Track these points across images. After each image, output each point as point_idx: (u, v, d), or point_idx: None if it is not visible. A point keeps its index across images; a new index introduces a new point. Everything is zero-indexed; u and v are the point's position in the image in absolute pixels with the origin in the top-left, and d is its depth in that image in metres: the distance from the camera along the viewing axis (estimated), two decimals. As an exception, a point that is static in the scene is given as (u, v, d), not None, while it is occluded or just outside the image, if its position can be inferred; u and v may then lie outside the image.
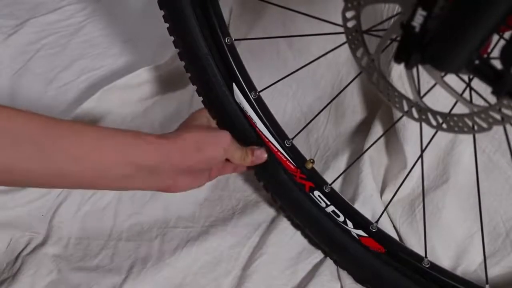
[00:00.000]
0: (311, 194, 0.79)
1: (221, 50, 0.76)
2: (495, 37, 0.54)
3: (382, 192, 0.92)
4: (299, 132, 0.80)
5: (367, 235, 0.77)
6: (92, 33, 1.18)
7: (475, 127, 0.56)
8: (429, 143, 0.70)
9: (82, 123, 0.56)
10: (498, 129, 0.59)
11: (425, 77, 0.59)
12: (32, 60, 1.07)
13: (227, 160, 0.74)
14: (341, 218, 0.78)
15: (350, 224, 0.78)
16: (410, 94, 0.60)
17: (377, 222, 0.78)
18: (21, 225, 0.85)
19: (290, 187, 0.81)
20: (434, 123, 0.59)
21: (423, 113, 0.59)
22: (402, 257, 0.76)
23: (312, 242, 0.86)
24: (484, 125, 0.55)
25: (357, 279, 0.81)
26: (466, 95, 0.62)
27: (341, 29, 0.60)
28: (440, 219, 0.86)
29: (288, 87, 1.03)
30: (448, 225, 0.86)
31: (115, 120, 1.00)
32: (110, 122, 1.00)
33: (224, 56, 0.77)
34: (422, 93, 0.62)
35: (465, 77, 0.63)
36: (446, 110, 0.60)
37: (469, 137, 0.69)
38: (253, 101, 0.77)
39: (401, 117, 0.83)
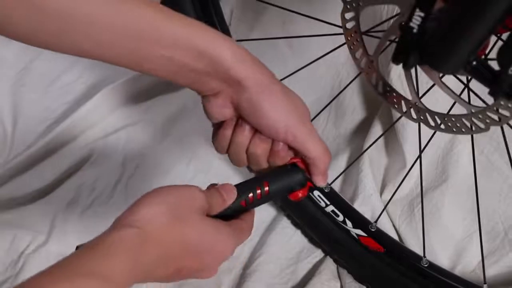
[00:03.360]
0: (310, 193, 0.80)
1: (221, 50, 0.77)
2: (493, 38, 0.55)
3: (381, 191, 0.92)
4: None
5: (366, 235, 0.77)
6: (94, 33, 1.18)
7: (473, 128, 0.57)
8: (427, 143, 0.71)
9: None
10: (496, 130, 0.59)
11: (424, 78, 0.60)
12: (35, 61, 1.07)
13: None
14: (341, 218, 0.79)
15: (349, 223, 0.78)
16: (409, 95, 0.61)
17: (376, 221, 0.78)
18: (24, 224, 0.85)
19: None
20: (432, 123, 0.59)
21: (422, 114, 0.60)
22: (401, 256, 0.76)
23: (312, 241, 0.87)
24: (482, 125, 0.56)
25: (357, 278, 0.82)
26: (464, 96, 0.63)
27: (341, 30, 0.60)
28: (439, 219, 0.86)
29: (288, 87, 1.03)
30: (447, 224, 0.86)
31: (116, 120, 1.01)
32: (111, 122, 1.00)
33: (225, 57, 0.77)
34: (420, 94, 0.62)
35: (463, 78, 0.64)
36: (445, 111, 0.61)
37: (468, 138, 0.69)
38: (253, 102, 0.78)
39: (400, 118, 0.84)
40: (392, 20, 0.59)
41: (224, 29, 0.76)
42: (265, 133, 0.52)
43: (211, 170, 0.97)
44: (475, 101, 0.61)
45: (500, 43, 0.51)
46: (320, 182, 0.54)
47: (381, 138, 0.94)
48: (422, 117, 0.60)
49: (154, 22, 0.46)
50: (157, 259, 0.44)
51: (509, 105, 0.52)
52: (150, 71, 0.49)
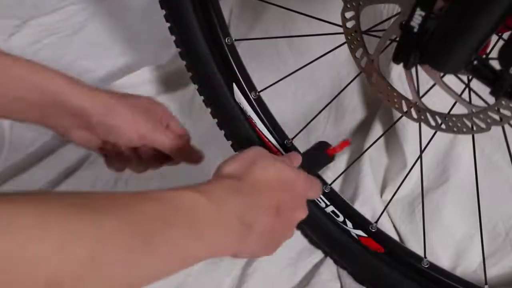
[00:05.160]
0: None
1: (221, 50, 0.76)
2: (494, 38, 0.54)
3: (382, 192, 0.92)
4: (299, 132, 0.81)
5: (366, 235, 0.77)
6: (93, 33, 1.18)
7: (474, 128, 0.56)
8: (428, 143, 0.71)
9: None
10: (497, 129, 0.59)
11: (425, 78, 0.59)
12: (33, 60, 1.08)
13: None
14: (341, 218, 0.78)
15: (349, 224, 0.78)
16: (409, 95, 0.61)
17: (376, 222, 0.78)
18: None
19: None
20: (433, 123, 0.59)
21: (422, 114, 0.59)
22: (401, 257, 0.76)
23: (312, 241, 0.87)
24: (483, 125, 0.55)
25: (357, 279, 0.82)
26: (465, 95, 0.62)
27: (341, 30, 0.60)
28: (440, 219, 0.86)
29: (288, 87, 1.03)
30: (448, 225, 0.86)
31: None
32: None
33: (225, 56, 0.77)
34: (421, 94, 0.62)
35: (464, 78, 0.64)
36: (446, 110, 0.60)
37: (469, 138, 0.69)
38: (253, 101, 0.78)
39: (400, 117, 0.83)
40: (392, 19, 0.58)
41: (224, 29, 0.76)
42: (125, 144, 0.61)
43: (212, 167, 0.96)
44: (476, 101, 0.61)
45: (501, 42, 0.51)
46: (198, 159, 0.68)
47: (382, 138, 0.94)
48: (422, 117, 0.60)
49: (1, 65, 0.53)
50: (254, 186, 0.51)
51: (511, 104, 0.52)
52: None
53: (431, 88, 0.64)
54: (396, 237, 0.85)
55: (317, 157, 0.68)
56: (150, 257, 0.39)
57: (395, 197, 0.81)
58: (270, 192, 0.53)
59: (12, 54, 0.55)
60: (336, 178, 0.84)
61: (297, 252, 0.86)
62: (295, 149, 0.80)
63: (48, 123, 0.58)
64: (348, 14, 0.58)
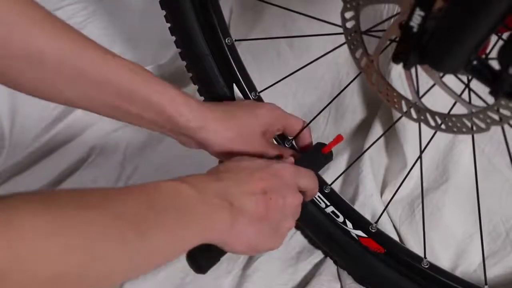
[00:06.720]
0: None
1: (221, 50, 0.76)
2: (494, 38, 0.54)
3: (382, 192, 0.92)
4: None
5: (366, 236, 0.77)
6: (93, 33, 1.18)
7: (474, 128, 0.56)
8: (428, 143, 0.71)
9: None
10: (497, 130, 0.59)
11: (425, 78, 0.59)
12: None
13: None
14: (341, 219, 0.78)
15: (349, 224, 0.78)
16: (409, 95, 0.61)
17: (376, 222, 0.78)
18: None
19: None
20: (432, 123, 0.59)
21: (422, 114, 0.59)
22: (401, 257, 0.76)
23: (312, 242, 0.87)
24: (483, 125, 0.55)
25: (357, 279, 0.81)
26: (465, 95, 0.62)
27: (341, 30, 0.60)
28: (440, 220, 0.86)
29: (288, 87, 1.03)
30: (448, 225, 0.86)
31: (114, 120, 1.00)
32: (111, 121, 1.00)
33: (225, 57, 0.77)
34: (421, 94, 0.62)
35: (464, 78, 0.63)
36: (446, 110, 0.60)
37: (469, 138, 0.69)
38: (253, 102, 0.78)
39: (400, 117, 0.83)
40: (392, 20, 0.58)
41: (224, 29, 0.76)
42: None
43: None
44: (476, 101, 0.61)
45: (501, 42, 0.51)
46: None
47: (382, 138, 0.94)
48: (422, 117, 0.59)
49: (131, 84, 0.55)
50: (232, 173, 0.54)
51: (510, 104, 0.52)
52: (128, 122, 0.60)
53: (430, 88, 0.64)
54: (396, 238, 0.85)
55: (315, 158, 0.69)
56: (144, 245, 0.41)
57: (395, 197, 0.81)
58: (252, 178, 0.54)
59: (149, 77, 0.58)
60: (336, 178, 0.84)
61: (297, 252, 0.86)
62: (295, 149, 0.80)
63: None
64: (348, 14, 0.58)
